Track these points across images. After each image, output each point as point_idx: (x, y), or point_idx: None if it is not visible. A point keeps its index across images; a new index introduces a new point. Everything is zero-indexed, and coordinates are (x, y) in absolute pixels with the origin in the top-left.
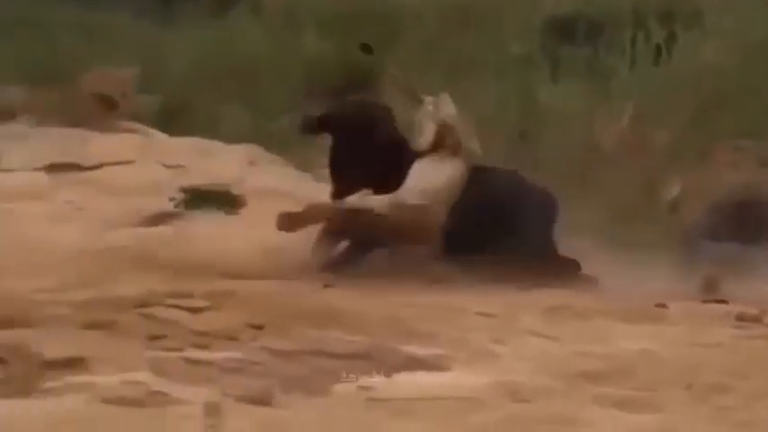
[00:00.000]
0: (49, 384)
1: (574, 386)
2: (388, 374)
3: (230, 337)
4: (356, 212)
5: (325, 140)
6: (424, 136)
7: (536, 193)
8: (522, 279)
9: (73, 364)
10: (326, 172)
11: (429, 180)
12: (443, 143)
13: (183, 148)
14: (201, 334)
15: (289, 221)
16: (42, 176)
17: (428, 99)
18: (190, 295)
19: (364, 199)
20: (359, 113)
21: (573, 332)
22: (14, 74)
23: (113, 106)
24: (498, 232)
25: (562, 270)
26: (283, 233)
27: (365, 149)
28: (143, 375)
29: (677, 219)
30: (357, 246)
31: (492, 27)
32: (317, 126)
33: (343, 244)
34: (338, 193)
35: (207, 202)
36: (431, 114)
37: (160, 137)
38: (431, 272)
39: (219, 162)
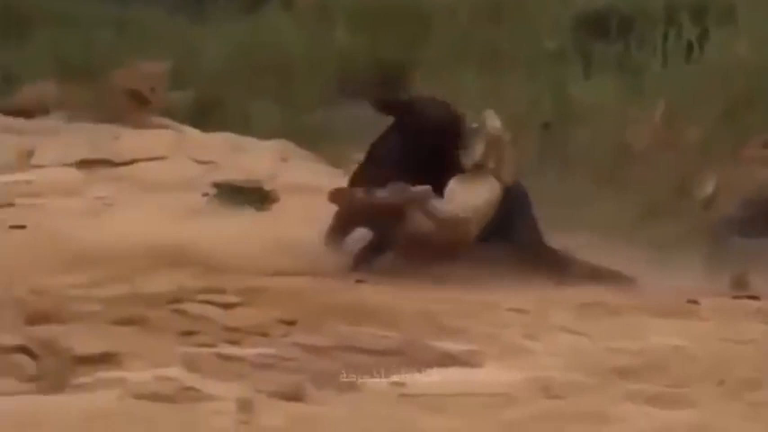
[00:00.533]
0: (81, 380)
1: (606, 382)
2: (420, 370)
3: (262, 333)
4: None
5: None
6: (473, 152)
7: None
8: (519, 271)
9: (105, 359)
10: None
11: (472, 196)
12: (488, 162)
13: (216, 143)
14: (233, 330)
15: (340, 196)
16: (74, 172)
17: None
18: (222, 291)
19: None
20: (438, 111)
21: (605, 328)
22: (49, 69)
23: (144, 102)
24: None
25: (555, 261)
26: (313, 229)
27: (420, 146)
28: (175, 371)
29: (709, 215)
30: (380, 241)
31: (524, 23)
32: (390, 105)
33: (357, 235)
34: (362, 179)
35: (239, 198)
36: (478, 131)
37: (192, 133)
38: (434, 272)
39: (251, 158)
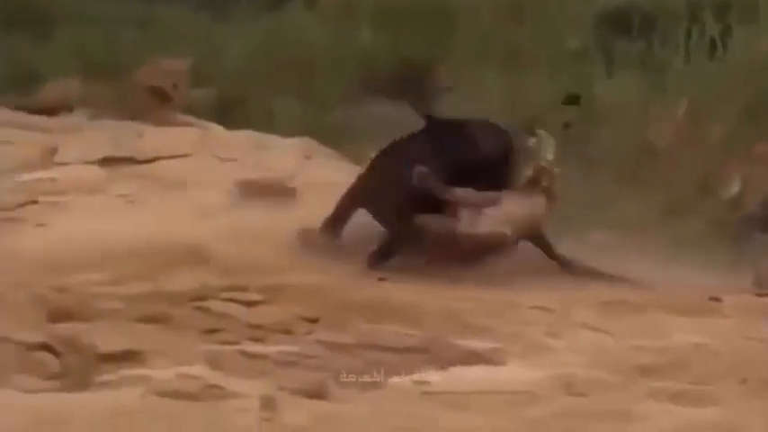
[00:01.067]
0: (104, 378)
1: (629, 380)
2: (443, 368)
3: (285, 331)
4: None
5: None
6: (523, 172)
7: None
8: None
9: (128, 357)
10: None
11: (517, 211)
12: (536, 184)
13: (239, 141)
14: (256, 327)
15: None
16: (97, 170)
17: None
18: (245, 289)
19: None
20: (489, 139)
21: (628, 326)
22: (72, 67)
23: (166, 99)
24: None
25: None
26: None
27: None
28: (198, 369)
29: (731, 213)
30: (391, 243)
31: (546, 21)
32: (440, 125)
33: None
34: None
35: (262, 196)
36: (531, 153)
37: (216, 130)
38: (447, 271)
39: (274, 155)
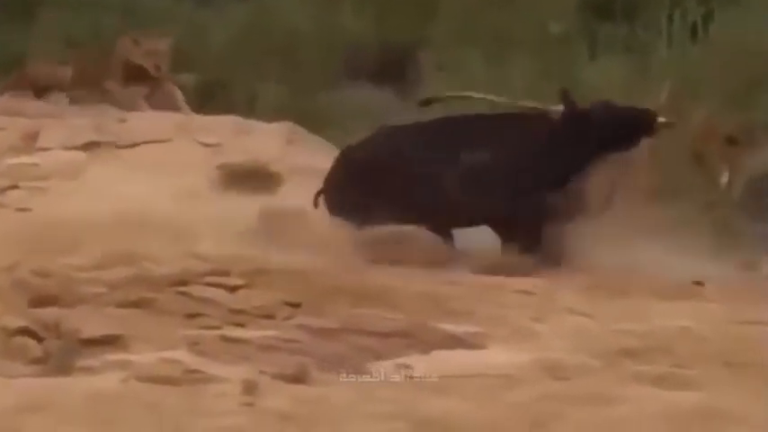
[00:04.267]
0: (86, 362)
1: (612, 364)
2: (425, 352)
3: (267, 316)
4: None
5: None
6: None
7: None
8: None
9: (110, 342)
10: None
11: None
12: None
13: (221, 126)
14: (238, 312)
15: None
16: (79, 155)
17: None
18: (226, 274)
19: None
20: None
21: (611, 310)
22: (55, 51)
23: (147, 77)
24: None
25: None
26: (322, 211)
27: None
28: (180, 354)
29: (717, 198)
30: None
31: (529, 5)
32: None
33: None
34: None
35: (244, 181)
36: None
37: (197, 115)
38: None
39: (257, 140)
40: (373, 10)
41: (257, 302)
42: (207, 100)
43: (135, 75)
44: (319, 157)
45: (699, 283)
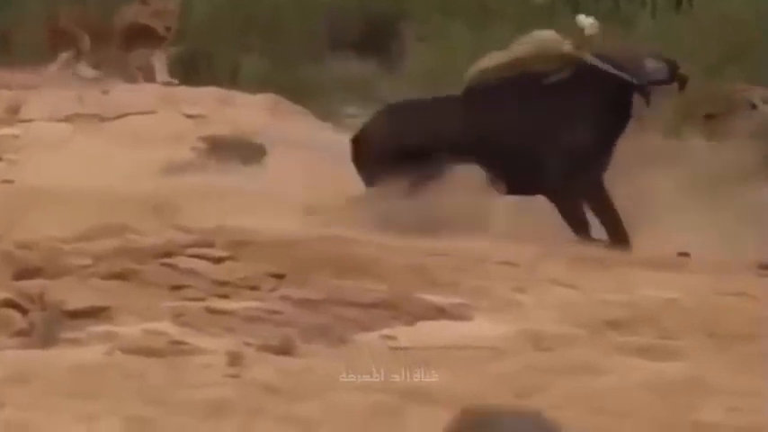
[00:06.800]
0: (71, 334)
1: (597, 334)
2: (409, 324)
3: (251, 287)
4: None
5: None
6: None
7: None
8: None
9: (94, 314)
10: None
11: None
12: None
13: (205, 97)
14: (222, 284)
15: None
16: (63, 126)
17: None
18: (211, 245)
19: None
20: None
21: (595, 281)
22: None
23: (157, 38)
24: None
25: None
26: (304, 181)
27: None
28: (164, 325)
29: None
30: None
31: None
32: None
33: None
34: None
35: (228, 152)
36: None
37: (180, 87)
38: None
39: (241, 112)
40: None
41: (242, 274)
42: (190, 72)
43: (141, 37)
44: (303, 128)
45: (684, 254)
